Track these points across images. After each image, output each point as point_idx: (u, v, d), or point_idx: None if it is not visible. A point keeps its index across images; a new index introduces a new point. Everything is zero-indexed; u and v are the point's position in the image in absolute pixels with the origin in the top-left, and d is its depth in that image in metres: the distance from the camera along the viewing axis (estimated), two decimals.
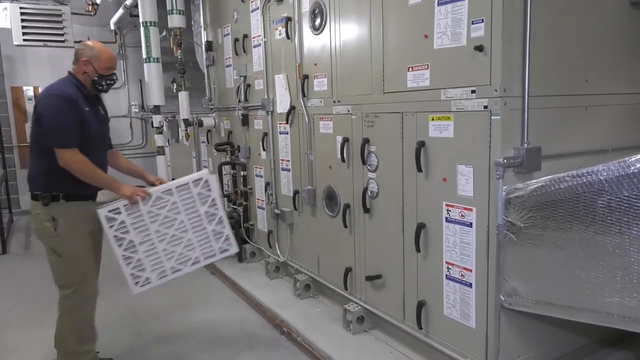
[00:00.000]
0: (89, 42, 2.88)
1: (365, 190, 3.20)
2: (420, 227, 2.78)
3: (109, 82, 2.83)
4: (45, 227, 2.70)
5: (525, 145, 2.33)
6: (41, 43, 6.90)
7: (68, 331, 2.84)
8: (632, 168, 1.93)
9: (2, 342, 3.63)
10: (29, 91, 7.93)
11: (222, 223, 2.99)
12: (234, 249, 3.06)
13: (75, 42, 7.19)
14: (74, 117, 2.64)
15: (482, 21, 2.31)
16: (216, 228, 2.99)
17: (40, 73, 8.05)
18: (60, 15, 6.88)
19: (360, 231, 3.34)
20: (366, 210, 3.21)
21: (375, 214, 3.19)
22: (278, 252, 4.51)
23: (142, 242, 2.84)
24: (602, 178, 2.01)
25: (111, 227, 2.77)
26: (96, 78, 2.77)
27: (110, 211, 2.77)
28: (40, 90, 7.97)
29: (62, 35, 6.94)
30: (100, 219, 2.75)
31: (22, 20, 6.66)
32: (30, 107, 7.93)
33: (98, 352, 3.09)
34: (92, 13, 7.41)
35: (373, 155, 3.12)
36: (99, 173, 2.73)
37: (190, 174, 2.98)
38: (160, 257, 2.89)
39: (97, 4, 7.27)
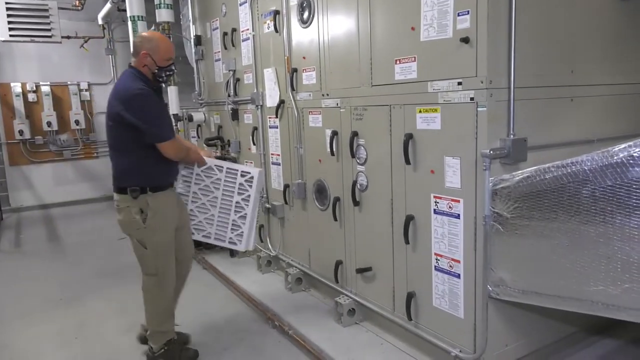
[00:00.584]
0: (147, 34, 2.90)
1: (354, 183, 3.21)
2: (409, 219, 2.79)
3: (168, 73, 2.85)
4: (134, 220, 2.78)
5: (512, 136, 2.35)
6: (28, 38, 6.83)
7: (153, 315, 3.00)
8: (615, 158, 1.95)
9: None
10: (16, 87, 7.84)
11: (244, 219, 3.16)
12: (240, 246, 3.21)
13: (62, 37, 7.15)
14: (161, 109, 2.79)
15: (468, 13, 2.32)
16: (237, 220, 3.16)
17: (28, 69, 7.98)
18: (47, 10, 6.81)
19: (350, 224, 3.36)
20: (356, 203, 3.22)
21: (365, 207, 3.20)
22: (269, 246, 4.51)
23: (184, 193, 3.24)
24: (586, 168, 2.03)
25: (191, 173, 3.22)
26: (156, 70, 2.79)
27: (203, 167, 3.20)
28: (28, 86, 7.91)
29: (49, 30, 6.88)
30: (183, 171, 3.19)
31: (8, 16, 6.58)
32: (18, 103, 7.86)
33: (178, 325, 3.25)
34: (80, 8, 7.34)
35: (362, 148, 3.12)
36: (186, 149, 2.96)
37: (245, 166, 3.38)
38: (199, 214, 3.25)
39: None
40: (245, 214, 3.13)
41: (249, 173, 3.13)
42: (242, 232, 3.17)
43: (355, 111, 3.15)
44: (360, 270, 3.25)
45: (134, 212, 2.78)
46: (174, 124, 5.34)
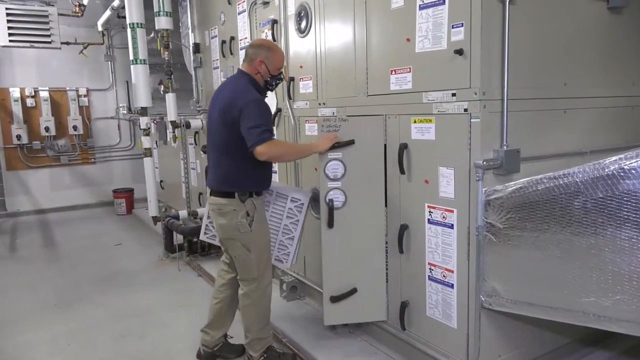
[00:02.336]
0: (264, 42, 2.94)
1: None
2: (403, 228, 2.81)
3: (277, 81, 2.90)
4: (241, 223, 2.78)
5: (505, 147, 2.37)
6: (28, 44, 6.85)
7: (254, 321, 2.95)
8: (606, 170, 1.97)
9: None
10: (15, 92, 7.86)
11: (292, 240, 3.20)
12: (286, 264, 3.25)
13: (62, 43, 7.17)
14: (270, 118, 2.78)
15: (462, 25, 2.35)
16: (285, 241, 3.20)
17: (27, 74, 8.01)
18: (46, 16, 6.83)
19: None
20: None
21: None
22: None
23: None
24: (577, 180, 2.05)
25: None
26: (268, 79, 2.83)
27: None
28: (26, 91, 7.93)
29: (48, 36, 6.89)
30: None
31: (8, 21, 6.60)
32: (16, 108, 7.87)
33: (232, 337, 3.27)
34: (79, 14, 7.37)
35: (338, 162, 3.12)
36: (296, 146, 3.07)
37: (295, 187, 3.46)
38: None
39: (84, 5, 7.24)
40: (294, 236, 3.17)
41: (299, 200, 3.15)
42: (289, 251, 3.20)
43: (326, 122, 2.97)
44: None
45: (240, 216, 2.76)
46: (171, 131, 5.36)
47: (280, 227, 3.18)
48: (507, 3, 2.29)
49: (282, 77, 2.93)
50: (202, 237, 3.44)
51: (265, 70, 2.79)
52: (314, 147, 2.86)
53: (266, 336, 3.01)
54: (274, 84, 2.89)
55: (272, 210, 3.17)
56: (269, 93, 3.00)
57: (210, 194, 2.89)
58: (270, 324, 3.05)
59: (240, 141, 2.69)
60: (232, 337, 3.27)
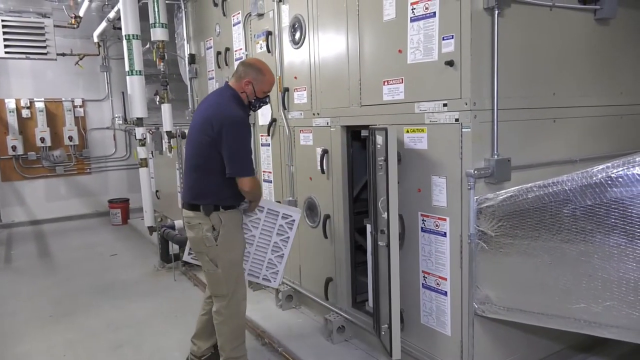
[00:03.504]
0: (256, 62, 2.86)
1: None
2: (399, 237, 2.83)
3: (261, 104, 2.89)
4: (206, 237, 2.75)
5: (496, 156, 2.42)
6: (23, 55, 6.88)
7: (227, 339, 2.89)
8: (594, 178, 2.01)
9: None
10: (10, 103, 7.86)
11: (281, 259, 3.14)
12: (274, 283, 3.20)
13: (58, 54, 7.20)
14: (249, 140, 2.76)
15: (452, 37, 2.40)
16: (273, 259, 3.14)
17: (22, 85, 8.02)
18: (42, 28, 6.88)
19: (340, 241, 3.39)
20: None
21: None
22: None
23: (248, 240, 3.12)
24: (567, 188, 2.09)
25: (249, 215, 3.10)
26: (253, 100, 2.81)
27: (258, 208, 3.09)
28: (22, 102, 7.94)
29: (44, 47, 6.94)
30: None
31: (4, 33, 6.64)
32: (11, 119, 7.88)
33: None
34: (75, 26, 7.41)
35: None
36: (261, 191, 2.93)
37: (286, 204, 3.32)
38: (249, 258, 3.17)
39: (80, 17, 7.28)
40: (283, 254, 3.13)
41: (290, 216, 3.08)
42: (278, 270, 3.16)
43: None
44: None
45: (205, 229, 2.74)
46: (167, 141, 5.40)
47: (270, 245, 3.10)
48: (496, 15, 2.34)
49: (267, 100, 2.91)
50: (185, 257, 3.30)
51: (252, 91, 2.77)
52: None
53: (239, 356, 2.93)
54: (257, 105, 2.86)
55: (262, 227, 3.08)
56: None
57: (182, 207, 2.89)
58: (244, 343, 2.97)
59: (212, 157, 2.67)
60: None
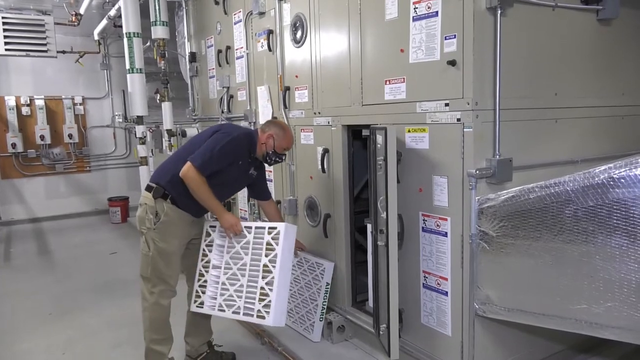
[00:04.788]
0: (281, 122, 3.14)
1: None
2: (398, 236, 2.82)
3: (276, 159, 3.03)
4: (148, 218, 2.85)
5: (497, 156, 2.41)
6: (24, 53, 6.86)
7: (147, 328, 2.96)
8: (596, 179, 2.01)
9: None
10: (10, 101, 7.85)
11: (270, 285, 2.65)
12: (268, 320, 2.64)
13: (58, 51, 7.18)
14: (226, 156, 2.78)
15: (455, 37, 2.39)
16: (265, 287, 2.68)
17: (22, 83, 8.01)
18: (43, 25, 6.85)
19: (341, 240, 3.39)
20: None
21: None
22: None
23: (214, 267, 2.91)
24: (568, 188, 2.09)
25: (205, 240, 2.96)
26: (270, 152, 2.95)
27: (210, 226, 2.96)
28: (22, 100, 7.94)
29: (44, 45, 6.91)
30: (203, 229, 2.96)
31: (5, 30, 6.62)
32: (11, 116, 7.87)
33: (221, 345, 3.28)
34: (76, 23, 7.39)
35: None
36: (209, 196, 2.76)
37: (276, 221, 2.98)
38: (218, 289, 2.87)
39: (80, 15, 7.26)
40: (272, 277, 2.63)
41: (275, 228, 2.72)
42: (270, 300, 2.62)
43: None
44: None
45: (149, 211, 2.84)
46: (167, 139, 5.38)
47: (260, 269, 2.71)
48: (499, 15, 2.34)
49: (283, 158, 3.06)
50: (225, 313, 2.84)
51: (271, 145, 2.92)
52: (221, 213, 2.83)
53: (161, 352, 2.95)
54: (273, 159, 2.98)
55: (252, 250, 2.79)
56: (264, 102, 3.04)
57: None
58: (167, 341, 2.99)
59: (192, 151, 2.80)
60: (221, 346, 3.26)
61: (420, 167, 2.67)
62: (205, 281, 2.91)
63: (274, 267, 2.66)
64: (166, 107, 5.33)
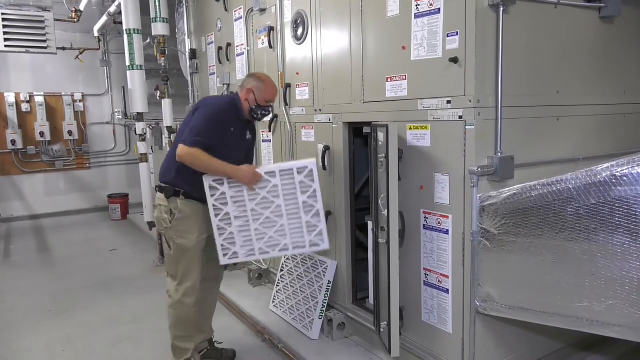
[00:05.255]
0: (258, 74, 3.04)
1: None
2: (400, 234, 2.82)
3: (263, 112, 2.97)
4: (164, 218, 2.88)
5: (499, 154, 2.40)
6: (23, 49, 6.84)
7: (172, 324, 2.98)
8: (598, 177, 2.00)
9: None
10: (10, 97, 7.84)
11: (318, 216, 2.87)
12: (324, 245, 2.91)
13: (58, 48, 7.17)
14: (216, 129, 2.74)
15: (457, 34, 2.38)
16: (311, 220, 2.87)
17: (22, 79, 7.99)
18: (42, 22, 6.83)
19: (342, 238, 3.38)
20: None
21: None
22: (261, 259, 4.52)
23: (237, 217, 2.83)
24: (570, 186, 2.08)
25: (212, 195, 2.79)
26: (254, 107, 2.90)
27: (214, 180, 2.78)
28: (21, 96, 7.93)
29: (44, 41, 6.89)
30: (205, 186, 2.77)
31: (4, 27, 6.60)
32: (11, 113, 7.85)
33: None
34: (76, 20, 7.38)
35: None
36: (213, 161, 2.70)
37: (296, 161, 2.97)
38: (251, 236, 2.87)
39: (80, 11, 7.24)
40: (318, 210, 2.85)
41: (306, 167, 2.81)
42: (321, 229, 2.87)
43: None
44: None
45: (163, 211, 2.87)
46: (167, 136, 5.37)
47: (300, 207, 2.84)
48: (502, 12, 2.33)
49: (269, 109, 2.99)
50: (271, 254, 2.96)
51: (253, 99, 2.88)
52: (233, 170, 2.74)
53: (185, 347, 2.97)
54: (259, 113, 2.93)
55: (283, 193, 2.82)
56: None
57: None
58: (193, 339, 3.01)
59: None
60: (221, 343, 3.26)
61: (421, 164, 2.67)
62: (231, 233, 2.85)
63: (315, 202, 2.84)
64: (166, 104, 5.32)
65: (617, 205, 1.95)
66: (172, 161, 2.86)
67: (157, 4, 4.93)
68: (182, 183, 2.83)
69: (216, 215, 2.82)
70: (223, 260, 2.90)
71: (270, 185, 2.82)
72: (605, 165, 1.99)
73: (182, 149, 2.68)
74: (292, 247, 2.90)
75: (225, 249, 2.88)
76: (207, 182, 2.77)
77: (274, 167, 2.86)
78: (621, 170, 1.95)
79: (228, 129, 2.82)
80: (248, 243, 2.88)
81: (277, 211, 2.84)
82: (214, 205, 2.80)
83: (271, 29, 3.90)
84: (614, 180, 1.96)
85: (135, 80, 5.17)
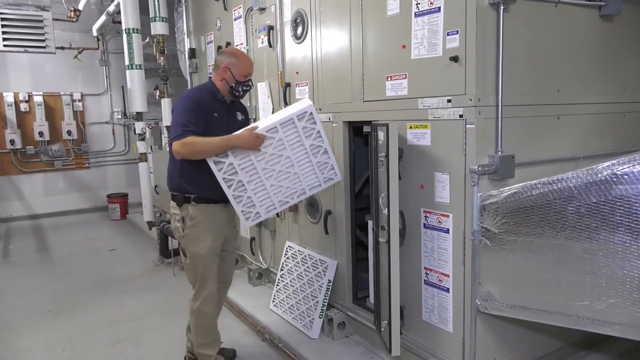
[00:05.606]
0: (229, 49, 2.95)
1: None
2: (400, 233, 2.82)
3: (245, 88, 2.89)
4: (177, 227, 2.88)
5: (499, 153, 2.40)
6: (22, 49, 6.83)
7: (194, 331, 2.98)
8: (599, 175, 2.00)
9: None
10: (8, 97, 7.82)
11: (327, 154, 2.92)
12: (338, 177, 3.01)
13: (56, 47, 7.15)
14: (195, 116, 2.68)
15: (457, 33, 2.38)
16: (321, 159, 2.92)
17: (21, 79, 7.98)
18: (41, 21, 6.82)
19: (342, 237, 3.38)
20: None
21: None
22: (260, 259, 4.52)
23: (250, 181, 2.80)
24: (571, 185, 2.08)
25: (220, 170, 2.72)
26: (234, 84, 2.83)
27: (217, 155, 2.70)
28: (20, 96, 7.91)
29: (43, 41, 6.87)
30: (209, 164, 2.69)
31: (3, 26, 6.58)
32: (9, 113, 7.84)
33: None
34: (74, 19, 7.37)
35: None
36: (211, 139, 2.63)
37: (289, 106, 2.95)
38: (268, 193, 2.88)
39: (79, 10, 7.24)
40: (325, 148, 2.89)
41: (305, 112, 2.77)
42: (332, 164, 2.94)
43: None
44: None
45: (177, 219, 2.86)
46: (166, 136, 5.36)
47: (308, 150, 2.85)
48: (502, 11, 2.32)
49: (249, 84, 2.91)
50: (292, 201, 3.01)
51: (230, 76, 2.81)
52: (233, 140, 2.65)
53: (208, 354, 2.96)
54: (240, 89, 2.86)
55: (288, 143, 2.80)
56: (265, 99, 3.01)
57: None
58: (215, 344, 3.00)
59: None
60: (221, 342, 3.25)
61: (422, 163, 2.66)
62: (248, 198, 2.83)
63: (321, 142, 2.88)
64: (165, 103, 5.30)
65: (618, 203, 1.95)
66: (173, 169, 2.84)
67: (156, 3, 4.92)
68: (188, 186, 2.80)
69: (229, 187, 2.77)
70: (247, 223, 2.92)
71: (276, 141, 2.78)
72: (606, 164, 1.99)
73: (175, 144, 2.64)
74: (309, 190, 2.97)
75: (246, 214, 2.88)
76: (210, 160, 2.69)
77: (272, 122, 2.76)
78: (622, 169, 1.94)
79: (210, 116, 2.75)
80: (266, 200, 2.90)
81: (287, 163, 2.85)
82: (224, 178, 2.74)
83: (271, 28, 3.90)
84: (614, 179, 1.96)
85: (135, 80, 5.16)
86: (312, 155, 2.88)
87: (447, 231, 2.56)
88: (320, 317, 3.37)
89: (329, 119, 3.36)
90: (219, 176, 2.73)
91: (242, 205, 2.85)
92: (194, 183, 2.78)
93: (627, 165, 1.94)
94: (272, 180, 2.85)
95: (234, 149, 2.69)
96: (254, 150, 2.71)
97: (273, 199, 2.91)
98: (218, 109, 2.82)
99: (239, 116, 2.97)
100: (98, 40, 8.22)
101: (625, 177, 1.93)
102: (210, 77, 2.94)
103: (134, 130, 5.50)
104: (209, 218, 2.83)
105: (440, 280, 2.65)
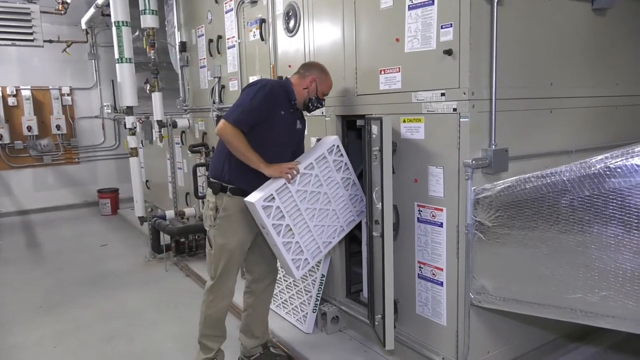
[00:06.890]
0: (321, 65, 2.93)
1: None
2: (394, 227, 2.82)
3: (318, 105, 2.89)
4: (208, 215, 2.81)
5: (493, 146, 2.40)
6: (9, 42, 6.72)
7: (200, 321, 2.90)
8: (592, 169, 2.01)
9: None
10: None
11: (355, 185, 2.97)
12: (362, 215, 3.02)
13: (44, 41, 7.05)
14: (263, 106, 2.63)
15: (451, 26, 2.37)
16: (352, 192, 2.97)
17: (8, 73, 7.86)
18: (29, 14, 6.70)
19: None
20: None
21: None
22: None
23: (295, 224, 2.74)
24: (565, 178, 2.08)
25: (269, 215, 2.63)
26: (313, 98, 2.82)
27: (265, 200, 2.61)
28: (8, 90, 7.80)
29: (31, 34, 6.77)
30: (257, 210, 2.58)
31: None
32: None
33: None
34: (63, 12, 7.27)
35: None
36: (249, 150, 2.60)
37: (317, 143, 2.97)
38: (313, 235, 2.82)
39: (67, 3, 7.14)
40: (354, 180, 2.95)
41: (333, 145, 2.87)
42: (361, 196, 2.99)
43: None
44: None
45: (210, 207, 2.79)
46: (157, 130, 5.31)
47: (340, 185, 2.90)
48: (496, 4, 2.32)
49: (323, 103, 2.93)
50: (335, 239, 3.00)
51: (314, 89, 2.80)
52: (262, 167, 2.63)
53: (210, 347, 2.89)
54: (315, 104, 2.86)
55: (323, 179, 2.82)
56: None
57: None
58: (219, 339, 2.93)
59: None
60: (276, 347, 3.20)
61: (415, 157, 2.66)
62: (297, 243, 2.75)
63: (350, 174, 2.95)
64: (156, 97, 5.26)
65: (611, 197, 1.96)
66: (221, 155, 2.76)
67: None
68: (229, 173, 2.71)
69: (278, 234, 2.68)
70: (298, 273, 2.79)
71: (313, 177, 2.79)
72: (599, 157, 2.00)
73: (223, 124, 2.58)
74: (346, 226, 2.97)
75: (296, 262, 2.78)
76: (258, 205, 2.58)
77: (308, 159, 2.79)
78: (615, 162, 1.95)
79: (277, 111, 2.70)
80: (312, 244, 2.84)
81: (324, 200, 2.86)
82: (273, 224, 2.65)
83: (262, 21, 3.86)
84: (608, 172, 1.96)
85: (125, 74, 5.10)
86: (343, 189, 2.93)
87: (441, 225, 2.56)
88: (313, 312, 3.37)
89: (322, 113, 3.34)
90: (269, 223, 2.63)
91: (291, 253, 2.74)
92: (237, 175, 2.70)
93: (620, 159, 1.94)
94: (314, 220, 2.81)
95: (278, 187, 2.63)
96: (285, 179, 2.64)
97: (317, 241, 2.85)
98: (286, 108, 2.77)
99: (298, 124, 2.91)
100: (87, 33, 8.10)
101: (619, 170, 1.94)
102: (289, 78, 2.90)
103: (125, 125, 5.44)
104: (242, 211, 2.73)
105: (434, 274, 2.65)
